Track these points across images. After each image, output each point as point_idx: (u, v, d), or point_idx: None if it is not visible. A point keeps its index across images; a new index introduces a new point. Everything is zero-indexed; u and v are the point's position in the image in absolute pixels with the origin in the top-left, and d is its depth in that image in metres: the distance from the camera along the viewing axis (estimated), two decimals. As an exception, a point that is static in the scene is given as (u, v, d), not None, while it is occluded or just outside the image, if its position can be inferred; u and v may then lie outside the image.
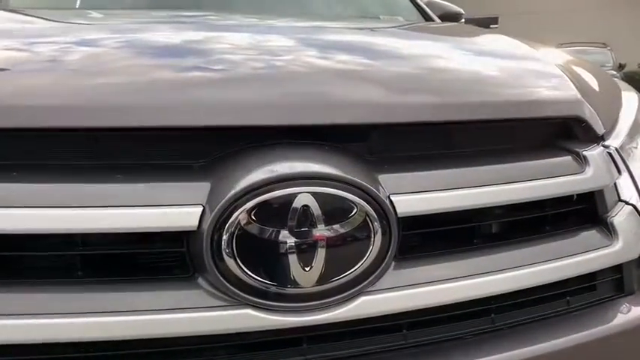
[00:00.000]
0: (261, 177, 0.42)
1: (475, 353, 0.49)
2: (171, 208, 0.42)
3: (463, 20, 1.83)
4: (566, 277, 0.54)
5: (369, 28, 0.95)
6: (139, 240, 0.44)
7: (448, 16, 1.71)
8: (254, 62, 0.56)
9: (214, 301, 0.42)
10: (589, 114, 0.61)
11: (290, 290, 0.43)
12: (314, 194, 0.43)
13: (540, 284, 0.52)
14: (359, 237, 0.45)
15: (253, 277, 0.42)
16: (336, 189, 0.44)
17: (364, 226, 0.45)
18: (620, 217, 0.58)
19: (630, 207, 0.60)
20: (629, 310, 0.57)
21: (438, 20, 1.56)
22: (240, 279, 0.42)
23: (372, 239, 0.45)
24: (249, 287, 0.42)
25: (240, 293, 0.42)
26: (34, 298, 0.41)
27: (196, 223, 0.41)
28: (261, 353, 0.44)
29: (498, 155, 0.55)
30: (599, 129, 0.61)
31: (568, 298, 0.56)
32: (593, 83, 0.72)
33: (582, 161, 0.57)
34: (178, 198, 0.42)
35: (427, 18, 1.55)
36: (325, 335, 0.46)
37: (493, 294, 0.50)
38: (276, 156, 0.45)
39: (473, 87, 0.59)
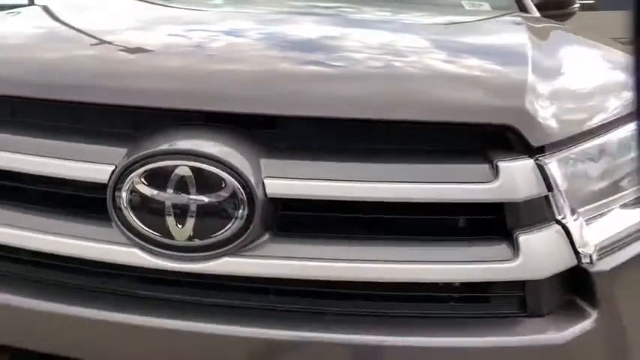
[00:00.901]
0: (150, 149, 0.54)
1: (331, 328, 0.55)
2: (93, 165, 0.56)
3: (577, 6, 1.65)
4: (439, 281, 0.55)
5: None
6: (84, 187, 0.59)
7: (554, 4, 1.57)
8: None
9: (114, 238, 0.56)
10: (524, 124, 0.58)
11: (167, 241, 0.55)
12: (191, 167, 0.54)
13: (405, 281, 0.55)
14: (225, 208, 0.54)
15: (141, 226, 0.55)
16: (209, 165, 0.54)
17: (230, 200, 0.54)
18: (530, 234, 0.56)
19: (557, 226, 0.57)
20: (528, 331, 0.56)
21: (534, 9, 1.46)
22: (132, 226, 0.55)
23: (237, 212, 0.54)
24: (137, 233, 0.55)
25: (131, 236, 0.55)
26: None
27: (107, 178, 0.55)
28: (145, 286, 0.57)
29: (401, 155, 0.58)
30: (535, 141, 0.58)
31: (452, 303, 0.57)
32: (571, 90, 0.66)
33: (495, 171, 0.56)
34: (102, 158, 0.57)
35: (521, 6, 1.45)
36: (200, 284, 0.57)
37: (356, 279, 0.55)
38: (174, 134, 0.56)
39: (395, 86, 0.62)
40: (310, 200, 0.56)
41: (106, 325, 0.55)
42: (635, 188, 0.65)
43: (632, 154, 0.67)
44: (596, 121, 0.65)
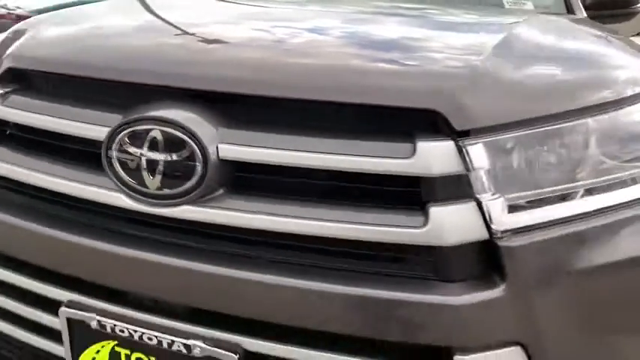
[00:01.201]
0: (133, 116, 0.69)
1: (262, 270, 0.66)
2: (95, 126, 0.72)
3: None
4: (356, 238, 0.63)
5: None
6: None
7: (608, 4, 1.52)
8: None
9: (107, 184, 0.71)
10: (450, 110, 0.65)
11: (142, 189, 0.69)
12: (161, 131, 0.67)
13: (329, 236, 0.64)
14: (185, 166, 0.67)
15: (124, 176, 0.70)
16: (174, 130, 0.67)
17: (190, 159, 0.66)
18: (442, 207, 0.63)
19: (472, 202, 0.63)
20: (429, 291, 0.63)
21: (580, 9, 1.44)
22: (120, 175, 0.70)
23: (195, 170, 0.66)
24: (122, 181, 0.70)
25: (118, 184, 0.70)
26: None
27: (103, 136, 0.71)
28: (125, 224, 0.72)
29: (338, 131, 0.67)
30: (459, 125, 0.64)
31: (373, 261, 0.66)
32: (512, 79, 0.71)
33: (413, 149, 0.63)
34: (102, 121, 0.72)
35: (570, 7, 1.44)
36: (166, 226, 0.71)
37: (288, 232, 0.65)
38: (153, 105, 0.70)
39: (337, 72, 0.71)
40: (257, 164, 0.67)
41: (94, 251, 0.71)
42: (569, 185, 0.68)
43: (575, 150, 0.71)
44: (539, 113, 0.68)
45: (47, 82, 0.83)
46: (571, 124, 0.71)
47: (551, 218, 0.65)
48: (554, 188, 0.68)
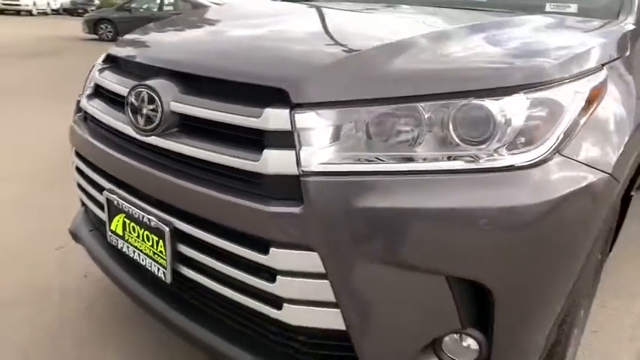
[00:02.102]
0: (136, 83, 1.19)
1: (183, 179, 1.10)
2: (124, 88, 1.25)
3: None
4: (229, 165, 1.02)
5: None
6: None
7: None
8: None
9: (124, 121, 1.24)
10: (291, 88, 0.98)
11: (136, 125, 1.19)
12: (147, 93, 1.16)
13: (215, 162, 1.04)
14: (154, 114, 1.14)
15: (131, 117, 1.21)
16: (152, 92, 1.15)
17: (156, 111, 1.14)
18: (272, 150, 0.97)
19: (292, 150, 0.97)
20: (251, 200, 0.98)
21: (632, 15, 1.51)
22: (129, 116, 1.21)
23: (157, 117, 1.14)
24: (129, 120, 1.21)
25: (127, 121, 1.22)
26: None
27: (126, 93, 1.23)
28: (133, 146, 1.24)
29: (230, 98, 1.06)
30: (295, 99, 0.97)
31: (235, 180, 1.04)
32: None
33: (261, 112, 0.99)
34: (128, 85, 1.25)
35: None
36: (147, 149, 1.20)
37: (191, 155, 1.08)
38: (149, 77, 1.19)
39: (232, 59, 1.10)
40: (190, 116, 1.11)
41: (117, 160, 1.24)
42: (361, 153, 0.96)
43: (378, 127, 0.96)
44: (353, 97, 0.97)
45: (119, 63, 1.41)
46: (381, 108, 0.97)
47: (342, 170, 0.94)
48: (353, 154, 0.96)
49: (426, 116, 0.97)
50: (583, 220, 1.02)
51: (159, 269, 1.22)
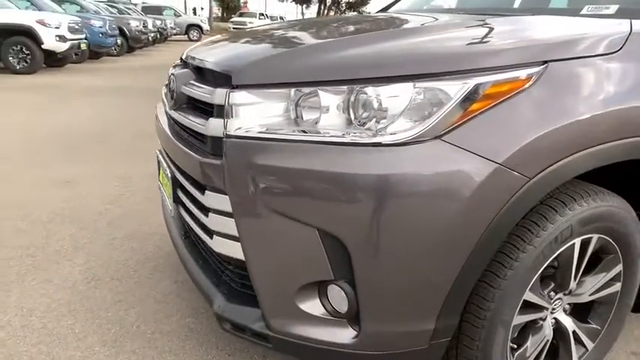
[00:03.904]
0: (169, 72, 1.67)
1: (181, 142, 1.53)
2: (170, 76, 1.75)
3: None
4: (199, 131, 1.40)
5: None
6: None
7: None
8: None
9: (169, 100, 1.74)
10: (235, 75, 1.31)
11: (169, 102, 1.67)
12: (172, 79, 1.63)
13: (192, 128, 1.44)
14: (173, 94, 1.60)
15: (167, 96, 1.69)
16: (174, 79, 1.61)
17: (174, 92, 1.59)
18: (213, 118, 1.32)
19: (224, 119, 1.30)
20: (204, 156, 1.34)
21: None
22: (166, 96, 1.70)
23: (174, 96, 1.59)
24: (166, 99, 1.70)
25: (166, 99, 1.71)
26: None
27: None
28: (167, 122, 1.73)
29: (212, 82, 1.44)
30: (234, 82, 1.29)
31: (199, 141, 1.41)
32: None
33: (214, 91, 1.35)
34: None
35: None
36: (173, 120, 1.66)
37: (187, 126, 1.50)
38: (177, 69, 1.66)
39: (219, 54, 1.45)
40: (190, 96, 1.53)
41: (160, 127, 1.75)
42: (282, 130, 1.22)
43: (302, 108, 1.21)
44: (287, 80, 1.24)
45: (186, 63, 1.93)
46: (289, 90, 1.22)
47: (250, 135, 1.22)
48: (263, 124, 1.23)
49: (323, 98, 1.19)
50: (452, 201, 1.10)
51: (170, 210, 1.67)
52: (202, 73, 1.55)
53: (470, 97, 1.12)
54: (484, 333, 1.27)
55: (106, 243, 2.60)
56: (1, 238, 2.61)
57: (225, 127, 1.27)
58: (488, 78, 1.14)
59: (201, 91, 1.44)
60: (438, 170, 1.09)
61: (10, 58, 8.90)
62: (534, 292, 1.35)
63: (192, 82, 1.54)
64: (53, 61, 9.83)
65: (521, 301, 1.31)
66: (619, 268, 1.52)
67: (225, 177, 1.26)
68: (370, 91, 1.14)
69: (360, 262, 1.14)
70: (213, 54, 1.57)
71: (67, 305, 2.04)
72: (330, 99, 1.19)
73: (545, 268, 1.40)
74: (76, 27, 9.94)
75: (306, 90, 1.22)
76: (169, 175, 1.61)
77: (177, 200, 1.61)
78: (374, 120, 1.14)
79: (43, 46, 8.97)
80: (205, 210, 1.37)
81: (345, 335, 1.23)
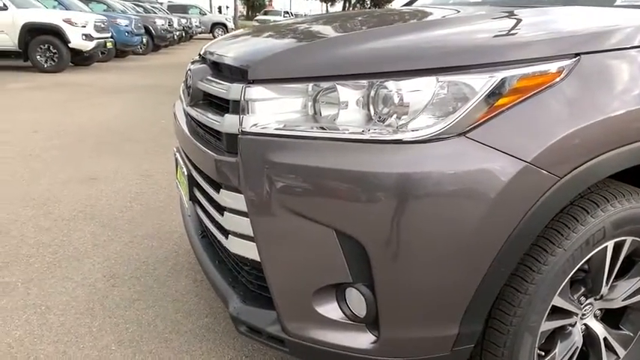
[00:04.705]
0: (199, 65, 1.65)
1: (198, 140, 1.50)
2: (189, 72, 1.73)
3: None
4: (215, 128, 1.38)
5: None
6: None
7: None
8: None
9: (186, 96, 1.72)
10: (251, 70, 1.27)
11: (186, 98, 1.65)
12: (189, 75, 1.60)
13: (207, 125, 1.41)
14: (189, 89, 1.58)
15: (185, 91, 1.67)
16: (191, 74, 1.58)
17: (190, 87, 1.57)
18: (232, 115, 1.29)
19: (240, 115, 1.27)
20: (221, 154, 1.31)
21: None
22: (185, 92, 1.68)
23: (190, 92, 1.57)
24: (183, 95, 1.68)
25: (183, 95, 1.69)
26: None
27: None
28: (184, 118, 1.71)
29: (228, 77, 1.41)
30: (250, 77, 1.26)
31: (216, 138, 1.38)
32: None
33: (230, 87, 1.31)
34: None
35: None
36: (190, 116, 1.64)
37: (203, 122, 1.47)
38: (194, 65, 1.63)
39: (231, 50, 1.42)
40: (206, 92, 1.50)
41: (176, 124, 1.73)
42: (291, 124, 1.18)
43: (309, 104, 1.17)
44: (304, 75, 1.19)
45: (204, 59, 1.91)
46: (306, 85, 1.18)
47: (266, 132, 1.18)
48: (279, 120, 1.19)
49: (342, 93, 1.15)
50: (477, 201, 1.04)
51: (187, 208, 1.65)
52: (219, 69, 1.52)
53: (496, 92, 1.06)
54: (509, 340, 1.21)
55: (127, 241, 2.61)
56: (24, 235, 2.65)
57: (240, 124, 1.24)
58: (517, 71, 1.08)
59: (218, 87, 1.41)
60: (462, 169, 1.04)
61: (38, 57, 9.10)
62: (563, 297, 1.28)
63: (208, 77, 1.52)
64: (80, 59, 10.02)
65: (550, 307, 1.25)
66: (654, 272, 1.44)
67: (241, 175, 1.22)
68: (391, 85, 1.09)
69: (379, 264, 1.09)
70: (230, 49, 1.53)
71: (85, 303, 2.05)
72: (349, 94, 1.14)
73: (575, 272, 1.34)
74: (102, 26, 10.11)
75: (324, 85, 1.17)
76: (186, 172, 1.59)
77: (193, 199, 1.59)
78: (395, 116, 1.09)
79: (69, 45, 9.14)
80: (221, 209, 1.34)
81: (363, 340, 1.18)
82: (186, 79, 1.66)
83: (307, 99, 1.19)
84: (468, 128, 1.06)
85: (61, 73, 9.36)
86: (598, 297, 1.40)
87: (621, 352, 1.51)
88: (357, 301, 1.17)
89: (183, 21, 18.12)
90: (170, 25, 15.20)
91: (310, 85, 1.18)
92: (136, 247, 2.54)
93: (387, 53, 1.17)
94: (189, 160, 1.58)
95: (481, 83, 1.06)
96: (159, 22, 14.29)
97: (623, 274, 1.42)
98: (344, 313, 1.20)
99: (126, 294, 2.12)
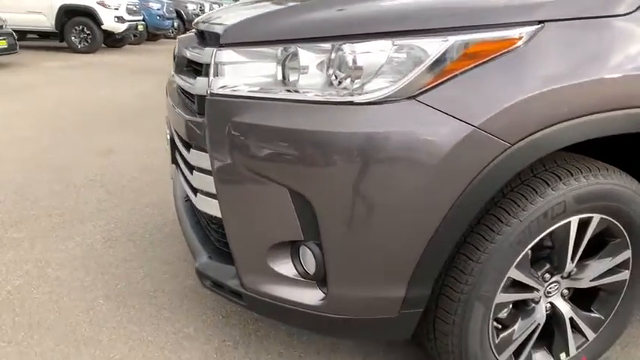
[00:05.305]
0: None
1: (180, 107, 1.56)
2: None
3: None
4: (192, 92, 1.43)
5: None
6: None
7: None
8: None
9: (174, 65, 1.78)
10: (223, 36, 1.30)
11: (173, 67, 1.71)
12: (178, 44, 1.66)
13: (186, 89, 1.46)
14: (175, 59, 1.63)
15: (174, 63, 1.73)
16: (179, 42, 1.64)
17: (179, 58, 1.62)
18: (202, 78, 1.33)
19: (210, 77, 1.31)
20: (193, 115, 1.36)
21: None
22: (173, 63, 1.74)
23: (178, 59, 1.62)
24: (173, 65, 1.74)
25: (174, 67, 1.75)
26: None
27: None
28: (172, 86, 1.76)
29: (205, 43, 1.45)
30: (222, 41, 1.29)
31: (191, 101, 1.43)
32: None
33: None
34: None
35: None
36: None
37: (183, 88, 1.52)
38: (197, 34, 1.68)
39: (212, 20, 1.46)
40: (189, 59, 1.55)
41: (170, 105, 1.79)
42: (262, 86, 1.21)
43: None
44: (269, 39, 1.22)
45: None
46: (268, 49, 1.21)
47: (230, 93, 1.22)
48: (243, 82, 1.23)
49: (303, 56, 1.17)
50: (422, 164, 1.05)
51: (171, 172, 1.71)
52: (203, 37, 1.56)
53: (449, 56, 1.07)
54: (460, 307, 1.22)
55: (129, 208, 2.71)
56: (37, 197, 2.79)
57: (209, 85, 1.28)
58: (474, 36, 1.08)
59: (195, 52, 1.45)
60: (409, 131, 1.05)
61: (73, 38, 9.42)
62: (522, 271, 1.27)
63: (192, 45, 1.56)
64: (112, 41, 10.31)
65: (506, 279, 1.25)
66: (627, 254, 1.41)
67: (206, 134, 1.27)
68: (347, 48, 1.11)
69: (326, 222, 1.12)
70: (216, 18, 1.58)
71: (81, 260, 2.15)
72: (310, 57, 1.16)
73: (540, 248, 1.33)
74: (134, 9, 10.35)
75: (292, 49, 1.20)
76: (169, 136, 1.65)
77: (175, 162, 1.65)
78: (350, 79, 1.11)
79: (102, 27, 9.41)
80: (191, 168, 1.39)
81: (313, 297, 1.22)
82: (174, 49, 1.71)
83: (276, 63, 1.22)
84: (418, 91, 1.06)
85: (93, 54, 9.65)
86: (565, 275, 1.39)
87: (590, 334, 1.49)
88: (308, 258, 1.21)
89: (215, 6, 18.30)
90: (201, 9, 15.39)
91: (279, 50, 1.21)
92: (137, 213, 2.64)
93: (346, 17, 1.18)
94: (171, 125, 1.64)
95: (434, 47, 1.07)
96: (190, 7, 14.51)
97: (593, 253, 1.40)
98: (297, 270, 1.23)
99: (120, 254, 2.21)
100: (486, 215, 1.19)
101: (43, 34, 9.70)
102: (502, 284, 1.25)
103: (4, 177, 3.08)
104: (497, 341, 1.33)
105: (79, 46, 9.51)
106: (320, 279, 1.20)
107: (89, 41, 9.51)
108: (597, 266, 1.40)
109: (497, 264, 1.21)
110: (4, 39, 7.10)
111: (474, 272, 1.19)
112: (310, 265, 1.21)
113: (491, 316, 1.28)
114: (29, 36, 9.79)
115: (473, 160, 1.07)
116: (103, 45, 10.06)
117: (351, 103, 1.09)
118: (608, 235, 1.37)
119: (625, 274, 1.44)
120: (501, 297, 1.27)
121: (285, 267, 1.24)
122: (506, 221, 1.18)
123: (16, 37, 7.49)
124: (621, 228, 1.35)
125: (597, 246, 1.39)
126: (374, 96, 1.08)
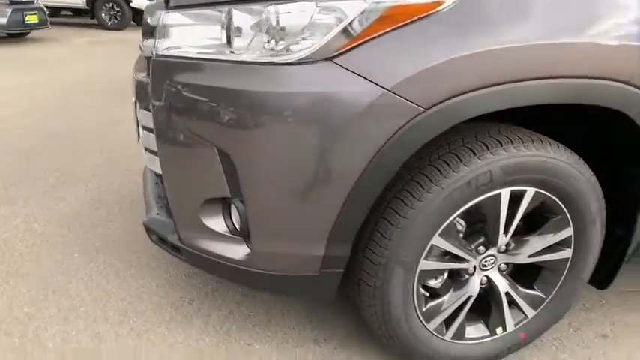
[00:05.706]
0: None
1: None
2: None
3: None
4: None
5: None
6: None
7: None
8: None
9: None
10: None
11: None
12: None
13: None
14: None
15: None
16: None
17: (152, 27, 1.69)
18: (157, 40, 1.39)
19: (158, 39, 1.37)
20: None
21: None
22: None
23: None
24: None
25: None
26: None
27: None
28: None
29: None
30: (172, 3, 1.34)
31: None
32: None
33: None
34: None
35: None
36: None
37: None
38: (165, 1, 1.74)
39: None
40: (152, 25, 1.61)
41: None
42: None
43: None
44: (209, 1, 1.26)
45: None
46: (206, 11, 1.25)
47: (171, 54, 1.27)
48: (186, 44, 1.27)
49: (237, 18, 1.21)
50: (334, 125, 1.08)
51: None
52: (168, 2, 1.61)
53: (367, 18, 1.08)
54: (381, 271, 1.25)
55: (123, 173, 2.83)
56: (41, 161, 2.95)
57: (154, 47, 1.34)
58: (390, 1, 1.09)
59: (153, 17, 1.51)
60: (324, 92, 1.08)
61: (103, 15, 9.70)
62: (450, 240, 1.29)
63: (157, 12, 1.62)
64: (141, 19, 10.53)
65: (429, 246, 1.26)
66: (568, 232, 1.39)
67: (150, 94, 1.33)
68: (272, 9, 1.14)
69: (245, 180, 1.17)
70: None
71: (67, 219, 2.28)
72: (243, 19, 1.20)
73: (476, 221, 1.34)
74: (164, -12, 10.53)
75: (211, 10, 1.23)
76: (133, 100, 1.72)
77: (137, 123, 1.72)
78: (274, 40, 1.14)
79: (131, 4, 9.64)
80: (141, 127, 1.46)
81: (240, 252, 1.27)
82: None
83: (220, 27, 1.26)
84: (335, 53, 1.09)
85: (122, 31, 9.92)
86: (502, 250, 1.39)
87: (530, 312, 1.49)
88: (235, 215, 1.26)
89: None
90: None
91: (223, 14, 1.25)
92: (129, 179, 2.76)
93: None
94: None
95: (353, 9, 1.09)
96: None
97: (534, 229, 1.39)
98: (227, 226, 1.29)
99: (103, 215, 2.33)
100: (409, 181, 1.21)
101: (75, 11, 10.02)
102: (425, 251, 1.27)
103: (16, 141, 3.27)
104: (424, 308, 1.36)
105: (109, 23, 9.79)
106: (245, 235, 1.26)
107: (118, 18, 9.77)
108: (536, 243, 1.40)
109: (418, 230, 1.23)
110: (35, 14, 7.39)
111: (393, 237, 1.22)
112: (237, 221, 1.26)
113: (415, 281, 1.30)
114: (63, 13, 10.11)
115: (385, 123, 1.09)
116: (132, 23, 10.31)
117: (272, 63, 1.13)
118: (547, 211, 1.36)
119: (567, 253, 1.43)
120: (425, 264, 1.29)
121: (216, 223, 1.29)
122: (427, 188, 1.19)
123: (47, 12, 7.78)
124: (560, 204, 1.34)
125: (539, 222, 1.39)
126: (293, 57, 1.11)
